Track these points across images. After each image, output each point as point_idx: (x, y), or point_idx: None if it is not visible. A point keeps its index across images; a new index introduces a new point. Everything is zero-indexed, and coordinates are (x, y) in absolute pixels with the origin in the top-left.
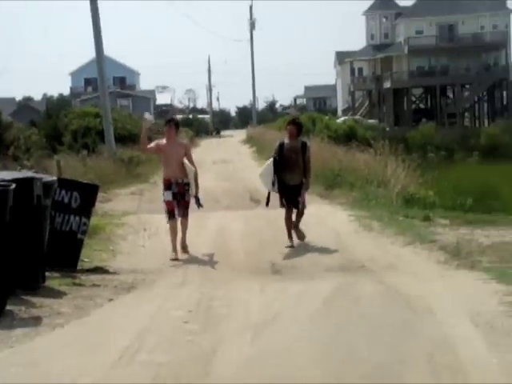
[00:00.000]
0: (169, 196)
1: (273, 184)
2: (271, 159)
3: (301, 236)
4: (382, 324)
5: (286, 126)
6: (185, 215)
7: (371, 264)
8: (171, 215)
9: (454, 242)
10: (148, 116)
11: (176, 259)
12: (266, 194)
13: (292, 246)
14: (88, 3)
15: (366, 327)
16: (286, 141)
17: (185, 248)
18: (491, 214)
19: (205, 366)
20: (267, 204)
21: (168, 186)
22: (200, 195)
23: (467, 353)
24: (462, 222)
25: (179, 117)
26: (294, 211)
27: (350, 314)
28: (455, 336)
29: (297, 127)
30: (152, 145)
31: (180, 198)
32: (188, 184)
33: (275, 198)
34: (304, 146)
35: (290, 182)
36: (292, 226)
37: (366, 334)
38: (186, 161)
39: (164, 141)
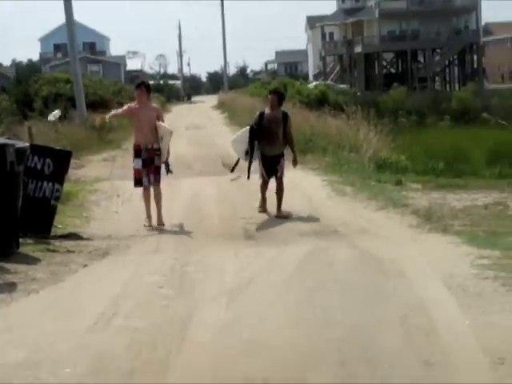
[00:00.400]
0: (138, 164)
1: (246, 153)
2: (247, 127)
3: (284, 215)
4: (355, 288)
5: (266, 96)
6: (156, 181)
7: (344, 228)
8: (138, 183)
9: (426, 206)
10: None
11: (150, 226)
12: (235, 161)
13: (265, 211)
14: None
15: (340, 291)
16: (267, 111)
17: (160, 222)
18: (462, 178)
19: (180, 331)
20: (232, 170)
21: (138, 152)
22: (172, 161)
23: (440, 315)
24: (433, 186)
25: (150, 82)
26: (273, 181)
27: (324, 279)
28: (428, 299)
29: (278, 97)
30: (125, 107)
31: (149, 162)
32: (159, 149)
33: (243, 166)
34: (285, 116)
35: (269, 153)
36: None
37: (339, 297)
38: (163, 123)
39: (135, 105)
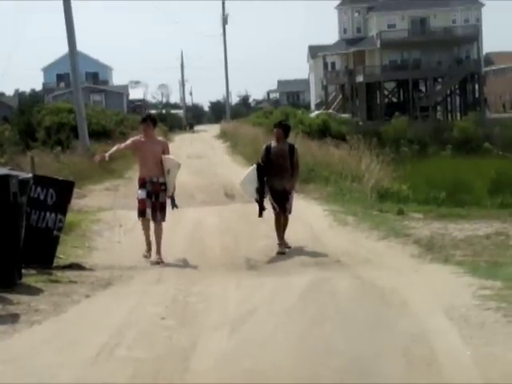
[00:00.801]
0: (143, 194)
1: (257, 191)
2: (254, 166)
3: (285, 245)
4: (357, 318)
5: (272, 129)
6: (161, 219)
7: (346, 258)
8: (142, 214)
9: (427, 235)
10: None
11: (149, 256)
12: (257, 204)
13: (283, 253)
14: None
15: (342, 321)
16: (273, 144)
17: (160, 258)
18: (464, 208)
19: (183, 361)
20: (260, 215)
21: (143, 184)
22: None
23: (442, 346)
24: (435, 216)
25: (152, 112)
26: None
27: (326, 309)
28: (430, 329)
29: (284, 129)
30: (128, 142)
31: (155, 198)
32: (164, 184)
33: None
34: (292, 149)
35: (279, 186)
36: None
37: (341, 328)
38: (170, 156)
39: (140, 138)
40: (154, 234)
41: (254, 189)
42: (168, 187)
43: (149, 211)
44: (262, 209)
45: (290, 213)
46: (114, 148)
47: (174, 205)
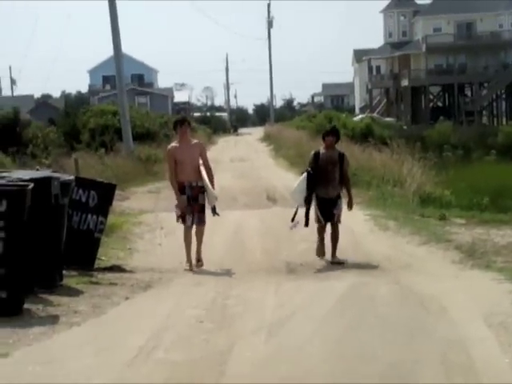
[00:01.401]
0: (184, 201)
1: (305, 200)
2: (304, 174)
3: (339, 262)
4: (395, 323)
5: (323, 136)
6: (201, 222)
7: (386, 263)
8: (184, 220)
9: (469, 241)
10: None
11: (190, 270)
12: (303, 212)
13: (323, 255)
14: (106, 1)
15: (380, 327)
16: (322, 150)
17: (200, 261)
18: (507, 214)
19: (220, 365)
20: (293, 220)
21: (181, 189)
22: (217, 194)
23: (480, 353)
24: (477, 222)
25: (197, 114)
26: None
27: (364, 314)
28: (468, 336)
29: (336, 136)
30: (169, 161)
31: (193, 201)
32: (203, 187)
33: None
34: (342, 156)
35: (325, 195)
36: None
37: (379, 333)
38: (210, 188)
39: (175, 144)
40: (196, 235)
41: (302, 198)
42: (209, 197)
43: (189, 217)
44: (307, 217)
45: (339, 221)
46: (171, 183)
47: (214, 212)
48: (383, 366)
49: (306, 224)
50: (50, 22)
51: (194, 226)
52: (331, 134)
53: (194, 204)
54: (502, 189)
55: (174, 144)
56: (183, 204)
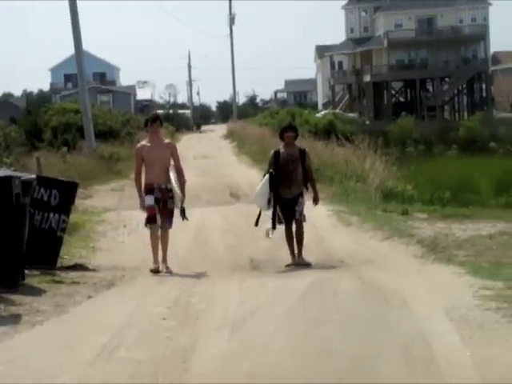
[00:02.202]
0: (151, 201)
1: (269, 202)
2: (266, 176)
3: (305, 263)
4: (357, 318)
5: (280, 134)
6: (169, 226)
7: (349, 259)
8: (152, 220)
9: (431, 236)
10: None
11: (157, 271)
12: (258, 212)
13: (293, 265)
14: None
15: (342, 322)
16: (282, 149)
17: (168, 269)
18: (469, 208)
19: (183, 363)
20: (256, 224)
21: (150, 190)
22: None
23: (442, 346)
24: (439, 216)
25: (159, 112)
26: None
27: (326, 309)
28: (430, 330)
29: (294, 133)
30: (137, 159)
31: (163, 204)
32: (171, 190)
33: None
34: (303, 153)
35: (288, 195)
36: (296, 254)
37: (341, 328)
38: (175, 186)
39: (145, 143)
40: (161, 238)
41: (265, 201)
42: (176, 200)
43: (158, 218)
44: (274, 220)
45: (302, 218)
46: (138, 187)
47: (184, 217)
48: (346, 361)
49: (274, 226)
50: (9, 19)
51: (160, 230)
52: (290, 130)
53: (163, 207)
54: (464, 183)
55: (143, 142)
56: (149, 203)
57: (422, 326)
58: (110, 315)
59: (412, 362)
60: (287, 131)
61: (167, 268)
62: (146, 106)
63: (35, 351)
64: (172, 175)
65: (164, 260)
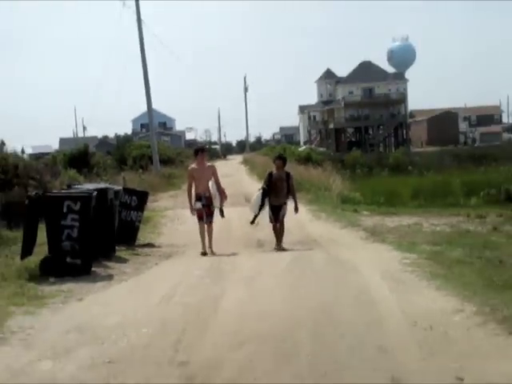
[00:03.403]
0: (199, 205)
1: (260, 208)
2: (260, 191)
3: (282, 249)
4: (325, 277)
5: (274, 161)
6: (210, 222)
7: (320, 239)
8: (201, 219)
9: (371, 225)
10: (197, 205)
11: (205, 253)
12: (253, 216)
13: (278, 249)
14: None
15: (315, 279)
16: (274, 171)
17: (212, 251)
18: (395, 208)
19: (215, 304)
20: (252, 222)
21: (199, 198)
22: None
23: (378, 294)
24: (377, 213)
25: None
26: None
27: (305, 271)
28: (371, 284)
29: (283, 161)
30: (189, 179)
31: (207, 206)
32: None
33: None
34: (288, 175)
35: (275, 202)
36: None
37: (315, 283)
38: (214, 193)
39: (194, 166)
40: (208, 231)
41: (257, 206)
42: (215, 203)
43: (205, 217)
44: (255, 218)
45: (283, 218)
46: (189, 197)
47: (222, 215)
48: (318, 303)
49: (252, 222)
50: (107, 87)
51: (206, 225)
52: (279, 159)
53: (208, 209)
54: (392, 192)
55: (193, 166)
56: (198, 208)
57: (366, 282)
58: (169, 275)
59: (359, 304)
60: (277, 159)
61: (212, 251)
62: (191, 143)
63: (122, 297)
64: (211, 185)
65: (210, 245)
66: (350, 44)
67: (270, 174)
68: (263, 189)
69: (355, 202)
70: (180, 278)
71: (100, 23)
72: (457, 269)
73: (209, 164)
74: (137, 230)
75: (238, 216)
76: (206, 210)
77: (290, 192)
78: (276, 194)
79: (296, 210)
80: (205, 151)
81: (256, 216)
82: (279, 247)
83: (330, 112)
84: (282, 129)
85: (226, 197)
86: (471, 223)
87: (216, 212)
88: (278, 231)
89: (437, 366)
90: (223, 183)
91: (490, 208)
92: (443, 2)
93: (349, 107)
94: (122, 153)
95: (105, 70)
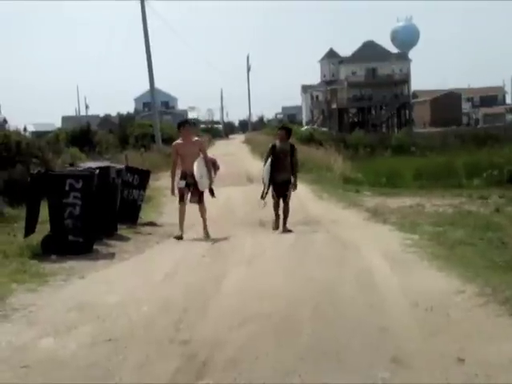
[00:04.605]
0: (182, 184)
1: (269, 182)
2: (269, 161)
3: (288, 230)
4: (326, 257)
5: (277, 131)
6: (200, 201)
7: (322, 220)
8: (181, 199)
9: (373, 206)
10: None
11: (180, 238)
12: (265, 189)
13: (277, 228)
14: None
15: (317, 259)
16: (277, 143)
17: (207, 234)
18: (397, 188)
19: (216, 284)
20: (262, 197)
21: (183, 176)
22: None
23: (379, 274)
24: (379, 194)
25: (202, 126)
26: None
27: (307, 251)
28: (372, 264)
29: (286, 131)
30: (173, 156)
31: (193, 186)
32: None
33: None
34: (292, 148)
35: (279, 179)
36: (281, 223)
37: (316, 263)
38: (197, 173)
39: (179, 141)
40: (199, 212)
41: (268, 177)
42: (201, 184)
43: (187, 197)
44: (265, 194)
45: (289, 199)
46: (172, 176)
47: (212, 194)
48: (319, 283)
49: (262, 197)
50: (110, 66)
51: (197, 205)
52: (282, 129)
53: (194, 189)
54: (394, 173)
55: (178, 141)
56: (180, 186)
57: (367, 262)
58: (170, 254)
59: (361, 284)
60: (280, 129)
61: (207, 234)
62: (193, 122)
63: (123, 276)
64: (195, 167)
65: (204, 228)
66: (354, 24)
67: (274, 146)
68: (272, 160)
69: (357, 182)
70: (181, 257)
71: (104, 2)
72: (459, 250)
73: (196, 138)
74: (139, 208)
75: (240, 196)
76: (192, 190)
77: (293, 166)
78: (279, 168)
79: (295, 186)
80: (190, 124)
81: (266, 192)
82: (284, 229)
83: (333, 92)
84: (284, 108)
85: (218, 167)
86: (474, 204)
87: (207, 192)
88: (282, 212)
89: (438, 346)
90: (225, 162)
91: (493, 189)
92: None
93: (352, 87)
94: (124, 131)
95: (108, 49)
